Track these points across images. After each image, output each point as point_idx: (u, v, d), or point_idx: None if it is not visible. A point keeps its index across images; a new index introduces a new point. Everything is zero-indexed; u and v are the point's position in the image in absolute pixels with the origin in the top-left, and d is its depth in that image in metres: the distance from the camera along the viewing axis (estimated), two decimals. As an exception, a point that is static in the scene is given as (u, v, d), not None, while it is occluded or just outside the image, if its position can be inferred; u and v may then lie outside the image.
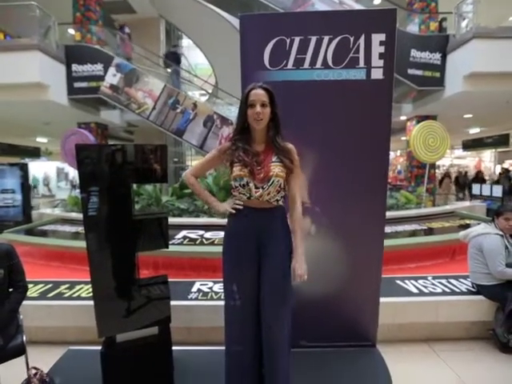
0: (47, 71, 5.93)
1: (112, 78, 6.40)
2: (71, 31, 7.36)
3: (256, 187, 1.27)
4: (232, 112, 6.49)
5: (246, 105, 1.27)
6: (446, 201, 5.78)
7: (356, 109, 1.65)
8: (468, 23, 5.87)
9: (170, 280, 1.66)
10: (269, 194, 1.28)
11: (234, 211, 1.31)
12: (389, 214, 3.99)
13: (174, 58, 7.81)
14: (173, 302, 1.64)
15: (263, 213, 1.29)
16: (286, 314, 1.27)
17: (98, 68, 6.65)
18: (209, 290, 2.26)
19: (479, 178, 9.51)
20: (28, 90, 5.77)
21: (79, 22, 7.12)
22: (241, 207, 1.30)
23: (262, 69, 1.62)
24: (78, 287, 2.35)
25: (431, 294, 2.16)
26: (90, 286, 1.50)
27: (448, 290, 2.21)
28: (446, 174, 10.32)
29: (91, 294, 1.47)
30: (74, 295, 2.20)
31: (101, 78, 6.48)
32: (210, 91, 8.59)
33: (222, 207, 1.35)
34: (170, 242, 3.08)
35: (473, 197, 7.22)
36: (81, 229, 3.87)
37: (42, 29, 6.19)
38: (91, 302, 1.47)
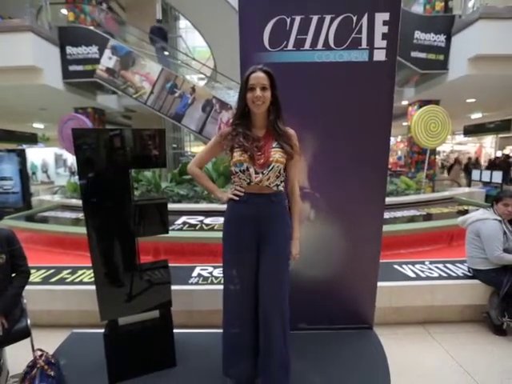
0: (41, 54, 5.76)
1: (108, 60, 6.24)
2: (64, 11, 7.10)
3: (256, 172, 1.26)
4: (231, 96, 6.37)
5: (245, 88, 1.25)
6: (445, 187, 5.78)
7: (357, 92, 1.62)
8: (475, 3, 5.67)
9: (170, 265, 1.68)
10: (268, 180, 1.28)
11: (236, 198, 1.31)
12: (388, 199, 4.00)
13: (159, 34, 7.46)
14: (173, 287, 1.66)
15: (263, 198, 1.29)
16: (284, 299, 1.29)
17: (93, 50, 6.47)
18: (209, 275, 2.30)
19: (476, 163, 9.42)
20: (21, 74, 5.63)
21: (72, 1, 6.86)
22: (241, 193, 1.30)
23: (261, 50, 1.58)
24: (80, 272, 2.38)
25: (428, 278, 2.19)
26: (91, 271, 1.51)
27: (444, 275, 2.24)
28: (456, 161, 10.09)
29: (93, 279, 1.48)
30: (77, 280, 2.23)
31: (96, 61, 6.33)
32: (209, 75, 8.39)
33: (225, 196, 1.35)
34: (170, 228, 3.10)
35: (472, 182, 7.22)
36: (81, 215, 3.89)
37: (34, 9, 5.97)
38: (93, 287, 1.49)
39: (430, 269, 2.36)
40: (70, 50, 6.43)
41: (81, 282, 2.19)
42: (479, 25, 5.17)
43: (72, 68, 6.44)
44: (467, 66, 5.48)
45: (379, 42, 1.56)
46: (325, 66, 1.59)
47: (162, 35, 7.48)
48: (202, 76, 8.57)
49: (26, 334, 1.52)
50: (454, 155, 14.24)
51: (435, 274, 2.25)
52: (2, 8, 6.53)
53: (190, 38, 10.82)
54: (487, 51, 5.18)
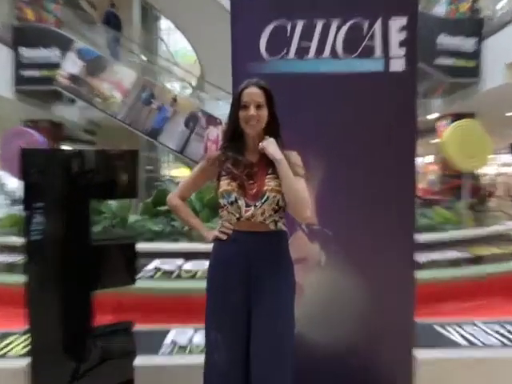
0: (-13, 56, 5.97)
1: (71, 65, 6.50)
2: (21, 8, 7.49)
3: (247, 205, 1.27)
4: (221, 109, 6.59)
5: (237, 106, 1.29)
6: (494, 220, 5.76)
7: (372, 107, 1.68)
8: (505, 5, 6.10)
9: (136, 328, 1.62)
10: (263, 214, 1.28)
11: (223, 236, 1.31)
12: (420, 237, 3.94)
13: (114, 21, 7.59)
14: (138, 360, 1.58)
15: (256, 237, 1.28)
16: (284, 376, 1.23)
17: (53, 53, 6.73)
18: (187, 342, 2.19)
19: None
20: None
21: (32, -3, 7.29)
22: (230, 231, 1.30)
23: (257, 59, 1.65)
24: (9, 339, 2.14)
25: (485, 346, 2.01)
26: (23, 338, 1.44)
27: (508, 342, 2.05)
28: (490, 187, 10.32)
29: (27, 350, 1.42)
30: (1, 352, 1.98)
31: (57, 66, 6.56)
32: (194, 83, 8.73)
33: (211, 235, 1.35)
34: (139, 276, 2.99)
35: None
36: (19, 258, 3.75)
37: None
38: (25, 362, 1.40)
39: (484, 332, 2.20)
40: (25, 51, 6.66)
41: (4, 356, 1.94)
42: (516, 26, 5.50)
43: (26, 73, 6.65)
44: (506, 72, 5.74)
45: (396, 50, 1.65)
46: (332, 78, 1.66)
47: (116, 24, 7.66)
48: (186, 85, 8.93)
49: None
50: (501, 178, 14.47)
51: (494, 341, 2.07)
52: None
53: (173, 40, 11.41)
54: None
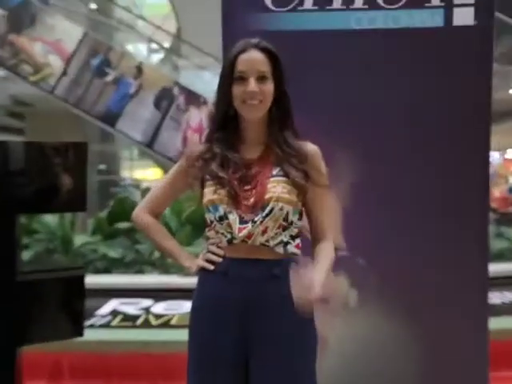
0: None
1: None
2: None
3: (241, 221, 1.26)
4: (207, 83, 6.63)
5: (230, 79, 1.30)
6: None
7: (426, 81, 1.70)
8: None
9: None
10: (265, 233, 1.27)
11: (210, 266, 1.31)
12: (496, 268, 3.94)
13: None
14: None
15: (257, 269, 1.28)
16: None
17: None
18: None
19: None
20: None
21: None
22: (219, 259, 1.30)
23: (258, 9, 1.67)
24: None
25: None
26: None
27: None
28: None
29: None
30: None
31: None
32: (168, 45, 8.82)
33: (194, 264, 1.35)
34: (89, 324, 3.04)
35: None
36: None
37: None
38: None
39: None
40: None
41: None
42: None
43: None
44: None
45: (462, -4, 1.67)
46: (368, 37, 1.67)
47: None
48: (156, 46, 9.00)
49: None
50: None
51: None
52: None
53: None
54: None
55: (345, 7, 1.68)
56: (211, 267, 1.29)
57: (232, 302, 1.27)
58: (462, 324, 1.76)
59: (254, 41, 1.30)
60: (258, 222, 1.25)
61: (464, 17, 1.67)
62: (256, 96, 1.26)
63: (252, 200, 1.26)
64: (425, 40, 1.68)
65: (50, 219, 4.74)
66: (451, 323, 1.76)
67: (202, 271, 1.33)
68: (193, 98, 6.16)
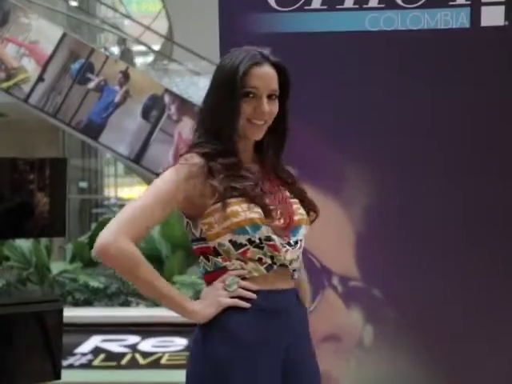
0: None
1: None
2: None
3: (284, 244, 1.26)
4: (201, 89, 6.67)
5: (238, 93, 1.29)
6: None
7: (451, 87, 1.71)
8: None
9: None
10: (298, 258, 1.30)
11: (246, 304, 1.23)
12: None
13: None
14: None
15: (289, 299, 1.29)
16: None
17: None
18: None
19: None
20: None
21: None
22: (253, 295, 1.26)
23: (260, 8, 1.69)
24: None
25: None
26: None
27: None
28: None
29: None
30: None
31: None
32: (158, 48, 8.92)
33: (209, 309, 1.25)
34: (67, 364, 3.03)
35: None
36: None
37: None
38: None
39: None
40: None
41: None
42: None
43: None
44: None
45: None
46: (385, 40, 1.69)
47: None
48: (144, 49, 9.08)
49: None
50: None
51: None
52: None
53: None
54: None
55: (358, 6, 1.69)
56: (247, 305, 1.24)
57: (278, 342, 1.26)
58: (492, 362, 1.75)
59: (267, 53, 1.31)
60: (298, 245, 1.27)
61: (493, 16, 1.69)
62: (264, 116, 1.29)
63: (282, 221, 1.27)
64: (448, 43, 1.70)
65: (23, 244, 4.73)
66: (479, 362, 1.74)
67: (227, 311, 1.25)
68: (186, 107, 6.18)
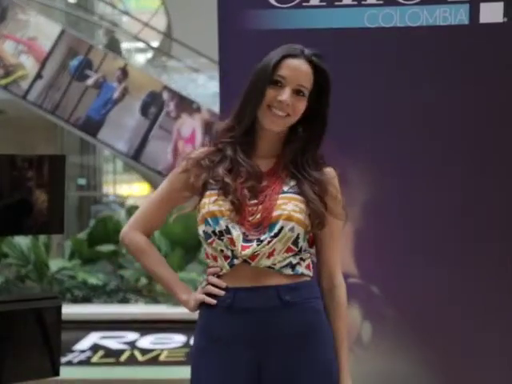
0: None
1: None
2: None
3: (245, 239, 1.26)
4: (200, 86, 6.66)
5: (269, 78, 1.30)
6: None
7: (450, 83, 1.71)
8: None
9: None
10: (272, 256, 1.27)
11: (212, 301, 1.28)
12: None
13: None
14: None
15: (266, 296, 1.28)
16: None
17: None
18: None
19: None
20: None
21: None
22: (221, 292, 1.28)
23: (258, 5, 1.69)
24: None
25: None
26: None
27: None
28: None
29: None
30: None
31: None
32: (156, 44, 8.90)
33: (193, 299, 1.34)
34: (65, 360, 3.05)
35: None
36: None
37: None
38: None
39: None
40: None
41: None
42: None
43: None
44: None
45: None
46: (383, 36, 1.69)
47: None
48: (143, 45, 9.07)
49: None
50: None
51: None
52: None
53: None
54: None
55: (356, 3, 1.69)
56: (213, 301, 1.28)
57: (242, 341, 1.27)
58: (493, 363, 1.75)
59: (308, 51, 1.32)
60: (265, 242, 1.25)
61: (492, 13, 1.68)
62: (285, 108, 1.27)
63: (258, 216, 1.26)
64: (447, 40, 1.70)
65: (22, 241, 4.73)
66: (478, 361, 1.75)
67: (202, 306, 1.32)
68: (185, 104, 6.18)
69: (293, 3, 1.69)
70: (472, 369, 1.76)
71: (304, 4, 1.69)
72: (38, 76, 6.47)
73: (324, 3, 1.69)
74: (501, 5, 1.67)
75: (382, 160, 1.71)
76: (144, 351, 3.33)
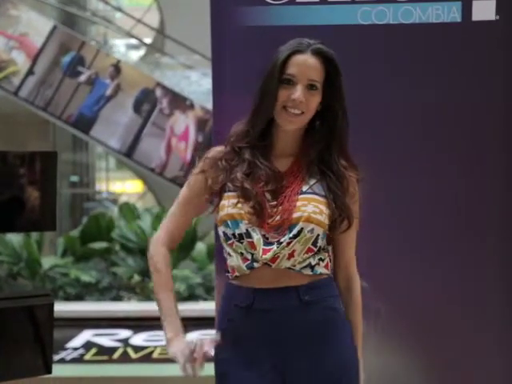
0: None
1: None
2: None
3: (265, 242, 1.27)
4: (193, 83, 6.65)
5: (279, 78, 1.30)
6: None
7: (442, 80, 1.71)
8: None
9: None
10: (292, 257, 1.27)
11: (189, 372, 1.20)
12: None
13: None
14: None
15: (285, 297, 1.29)
16: None
17: None
18: None
19: None
20: None
21: None
22: (197, 373, 1.21)
23: (251, 2, 1.69)
24: None
25: None
26: None
27: None
28: None
29: None
30: None
31: None
32: (149, 41, 8.87)
33: (174, 345, 1.26)
34: (58, 358, 3.05)
35: None
36: None
37: None
38: None
39: None
40: None
41: None
42: None
43: None
44: None
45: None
46: (376, 34, 1.69)
47: None
48: (136, 42, 9.05)
49: None
50: None
51: None
52: None
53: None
54: None
55: (350, 0, 1.70)
56: (190, 373, 1.20)
57: (262, 341, 1.28)
58: (487, 362, 1.75)
59: (314, 43, 1.32)
60: (284, 243, 1.26)
61: (484, 11, 1.68)
62: (300, 106, 1.27)
63: (277, 218, 1.26)
64: (440, 37, 1.70)
65: (14, 239, 4.74)
66: (472, 356, 1.75)
67: (223, 303, 1.35)
68: (178, 101, 6.17)
69: (286, 0, 1.70)
70: (472, 368, 1.76)
71: (297, 1, 1.69)
72: (30, 72, 6.46)
73: (317, 0, 1.70)
74: (493, 2, 1.67)
75: (378, 159, 1.70)
76: (137, 348, 3.34)
